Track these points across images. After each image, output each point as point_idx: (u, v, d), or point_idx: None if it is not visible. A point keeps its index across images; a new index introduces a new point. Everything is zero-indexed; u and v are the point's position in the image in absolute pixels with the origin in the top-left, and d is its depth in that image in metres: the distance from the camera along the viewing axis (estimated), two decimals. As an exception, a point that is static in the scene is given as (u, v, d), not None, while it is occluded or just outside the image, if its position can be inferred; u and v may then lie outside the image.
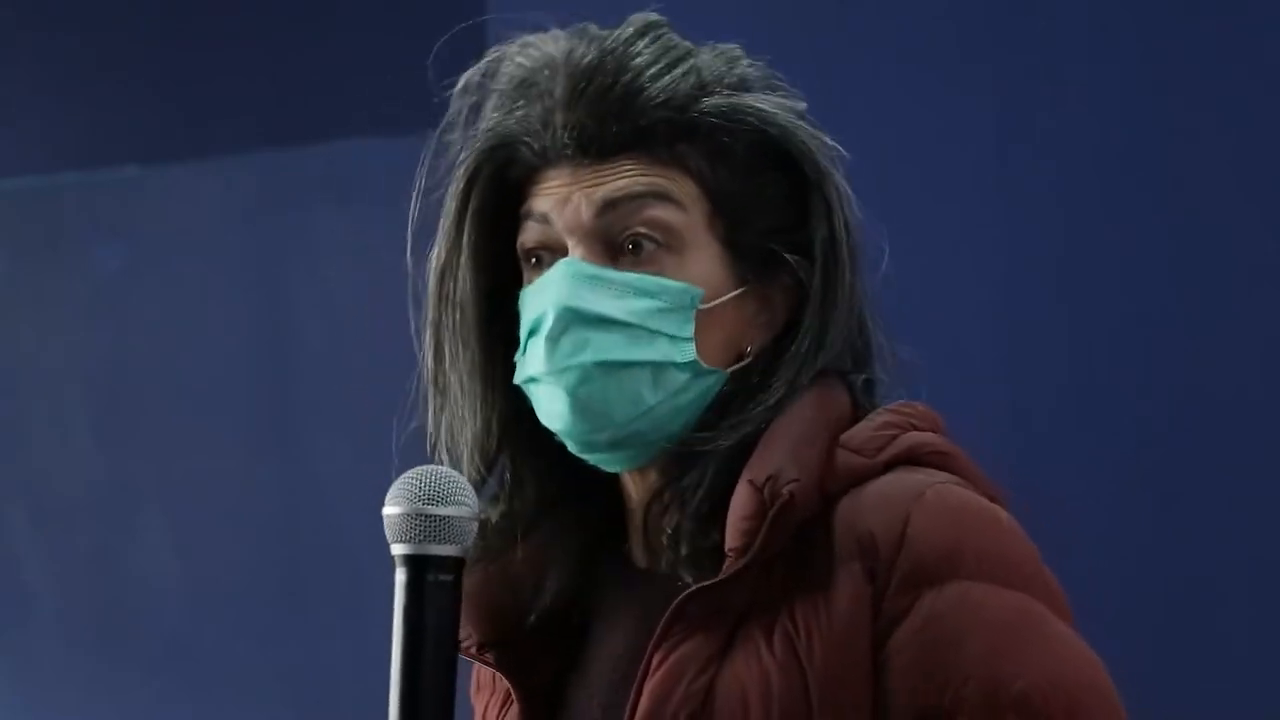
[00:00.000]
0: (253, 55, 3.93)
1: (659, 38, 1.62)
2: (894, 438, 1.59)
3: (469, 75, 1.66)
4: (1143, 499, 2.97)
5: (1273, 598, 2.90)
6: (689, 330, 1.58)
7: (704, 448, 1.58)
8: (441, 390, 1.65)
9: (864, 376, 1.65)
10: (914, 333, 3.07)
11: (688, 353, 1.58)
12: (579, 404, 1.58)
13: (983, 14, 3.07)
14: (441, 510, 1.56)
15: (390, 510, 1.56)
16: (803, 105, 1.65)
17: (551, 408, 1.59)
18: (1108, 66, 3.00)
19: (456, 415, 1.65)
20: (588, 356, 1.57)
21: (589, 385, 1.57)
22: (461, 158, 1.64)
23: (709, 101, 1.60)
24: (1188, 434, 2.95)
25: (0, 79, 4.12)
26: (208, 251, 3.97)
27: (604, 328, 1.57)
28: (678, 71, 1.60)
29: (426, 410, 1.67)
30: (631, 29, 1.62)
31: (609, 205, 1.58)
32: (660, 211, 1.58)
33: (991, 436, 3.04)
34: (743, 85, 1.63)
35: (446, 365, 1.65)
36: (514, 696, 1.65)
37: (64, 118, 4.08)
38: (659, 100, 1.58)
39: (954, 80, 3.08)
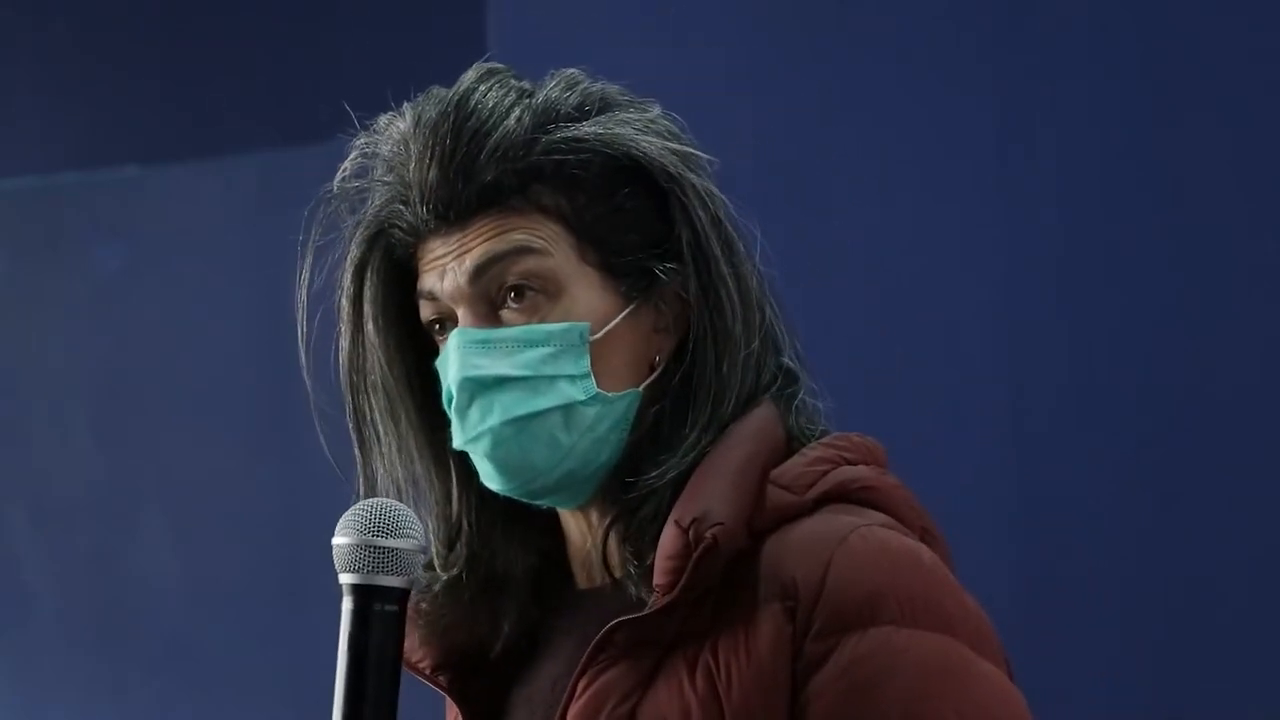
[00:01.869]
0: (253, 55, 3.93)
1: (493, 87, 1.65)
2: (824, 473, 1.62)
3: (344, 168, 1.71)
4: (1143, 499, 2.97)
5: (1273, 598, 2.90)
6: (585, 366, 1.62)
7: (651, 487, 1.61)
8: (382, 465, 1.70)
9: (796, 396, 1.66)
10: (915, 333, 3.07)
11: (589, 389, 1.62)
12: (501, 464, 1.63)
13: (983, 14, 3.07)
14: (389, 542, 1.60)
15: (339, 540, 1.61)
16: (652, 112, 1.68)
17: (483, 470, 1.65)
18: (1108, 66, 3.00)
19: (398, 484, 1.70)
20: (494, 419, 1.62)
21: (504, 445, 1.62)
22: (348, 252, 1.70)
23: (547, 139, 1.63)
24: (1188, 434, 2.95)
25: (0, 79, 4.12)
26: (208, 251, 3.97)
27: (504, 387, 1.62)
28: (510, 121, 1.63)
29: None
30: (465, 85, 1.65)
31: (479, 271, 1.62)
32: (526, 264, 1.62)
33: (991, 436, 3.04)
34: (581, 111, 1.65)
35: (392, 447, 1.70)
36: (459, 715, 1.70)
37: (64, 118, 4.08)
38: (498, 154, 1.62)
39: (954, 80, 3.09)
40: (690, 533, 1.55)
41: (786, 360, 1.68)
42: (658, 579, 1.56)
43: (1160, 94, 2.98)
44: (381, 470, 1.70)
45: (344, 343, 1.71)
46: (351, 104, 1.74)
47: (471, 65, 1.68)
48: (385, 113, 1.70)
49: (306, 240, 1.71)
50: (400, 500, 1.68)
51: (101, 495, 4.02)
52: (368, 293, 1.69)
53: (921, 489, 1.66)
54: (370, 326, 1.69)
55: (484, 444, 1.62)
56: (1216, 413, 2.94)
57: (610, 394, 1.63)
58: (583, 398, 1.62)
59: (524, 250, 1.62)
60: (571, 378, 1.62)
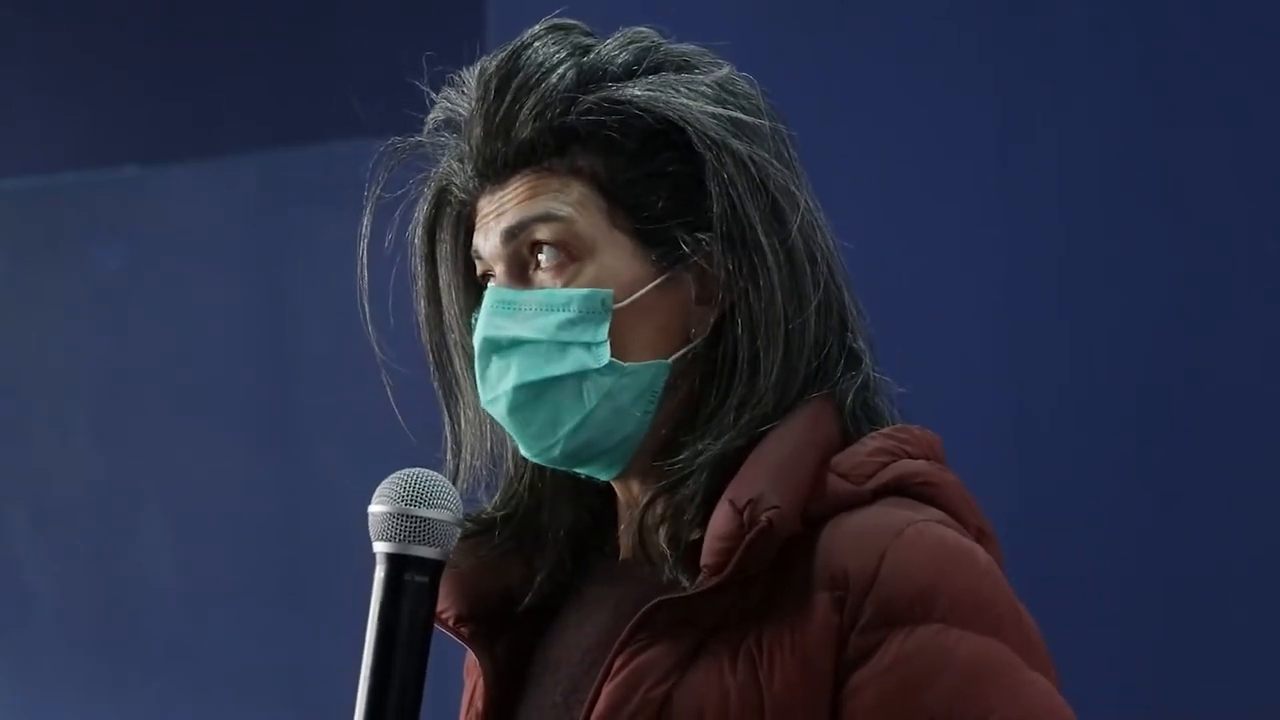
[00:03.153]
0: (253, 55, 3.93)
1: (551, 41, 1.62)
2: (884, 465, 1.58)
3: (429, 120, 1.68)
4: (1143, 499, 2.97)
5: (1273, 598, 2.90)
6: (603, 334, 1.59)
7: (683, 470, 1.57)
8: (468, 423, 1.69)
9: (857, 389, 1.62)
10: (915, 333, 3.07)
11: (602, 357, 1.59)
12: (518, 427, 1.61)
13: (983, 14, 3.07)
14: (425, 512, 1.58)
15: (375, 509, 1.59)
16: (718, 73, 1.64)
17: (510, 433, 1.63)
18: (1108, 66, 3.00)
19: (484, 442, 1.69)
20: (509, 382, 1.60)
21: (520, 410, 1.60)
22: (416, 209, 1.68)
23: (585, 100, 1.60)
24: (1188, 434, 2.95)
25: (0, 79, 4.12)
26: (208, 251, 3.97)
27: (520, 350, 1.60)
28: (551, 79, 1.60)
29: (451, 446, 1.70)
30: (525, 39, 1.63)
31: (509, 235, 1.61)
32: (551, 230, 1.59)
33: (992, 437, 3.04)
34: (628, 71, 1.62)
35: (474, 405, 1.68)
36: (481, 671, 1.67)
37: (64, 118, 4.08)
38: (535, 112, 1.59)
39: (954, 80, 3.08)
40: (745, 514, 1.52)
41: (851, 342, 1.64)
42: (706, 559, 1.53)
43: (1161, 94, 2.98)
44: (467, 428, 1.68)
45: (421, 302, 1.68)
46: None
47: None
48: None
49: (368, 197, 1.69)
50: (484, 459, 1.68)
51: (101, 495, 4.03)
52: (440, 251, 1.67)
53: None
54: (444, 284, 1.67)
55: (501, 406, 1.60)
56: (1216, 413, 2.94)
57: (629, 364, 1.59)
58: (596, 366, 1.58)
59: (549, 217, 1.59)
60: (587, 345, 1.58)
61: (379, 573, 1.58)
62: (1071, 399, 3.01)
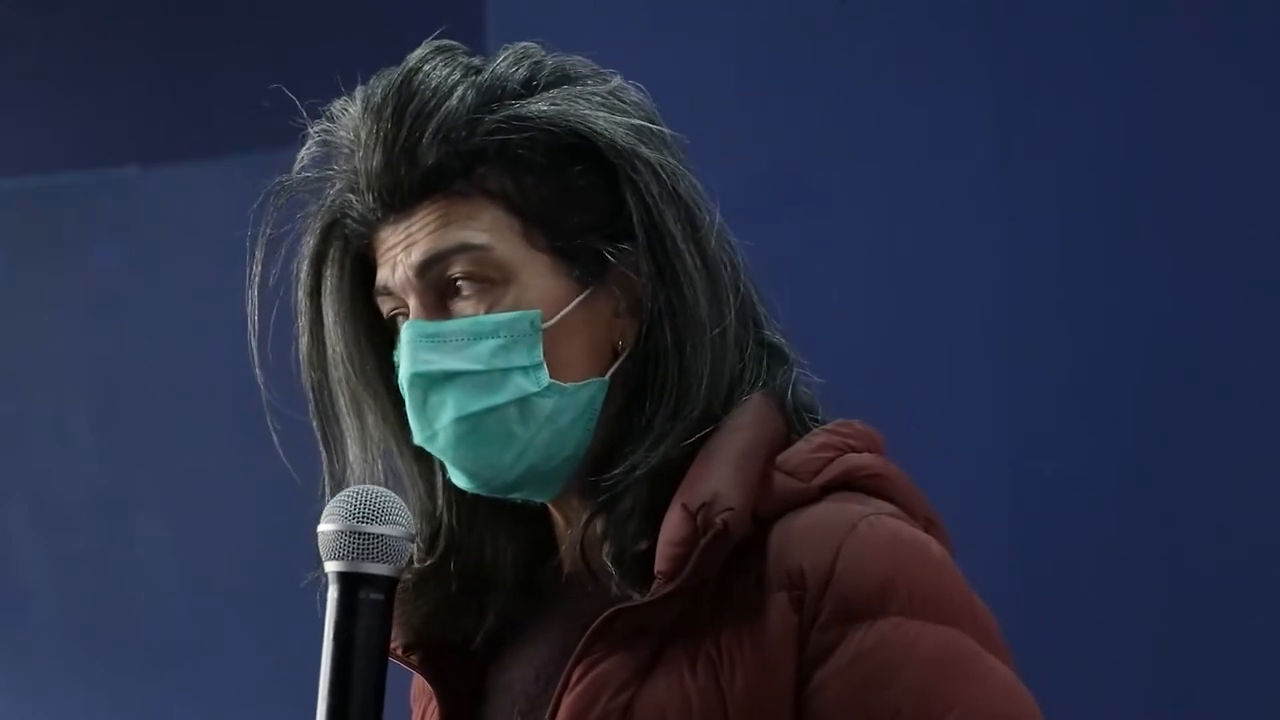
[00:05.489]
0: (253, 55, 3.93)
1: (439, 64, 1.60)
2: (830, 460, 1.57)
3: (301, 156, 1.71)
4: (1143, 499, 2.97)
5: (1273, 598, 2.90)
6: (538, 356, 1.57)
7: (621, 483, 1.56)
8: (355, 459, 1.66)
9: (789, 377, 1.61)
10: (914, 332, 3.07)
11: (542, 380, 1.57)
12: (459, 462, 1.59)
13: (983, 13, 3.07)
14: (376, 529, 1.56)
15: (325, 527, 1.58)
16: (611, 84, 1.62)
17: (449, 469, 1.61)
18: (1108, 66, 3.00)
19: (371, 482, 1.66)
20: (447, 416, 1.57)
21: (460, 443, 1.58)
22: (301, 243, 1.67)
23: (490, 119, 1.57)
24: (1188, 434, 2.95)
25: (0, 79, 4.12)
26: (207, 251, 3.97)
27: (455, 383, 1.57)
28: (452, 101, 1.58)
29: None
30: (410, 64, 1.61)
31: (423, 268, 1.58)
32: (466, 263, 1.57)
33: (991, 436, 3.04)
34: (528, 87, 1.59)
35: (358, 444, 1.66)
36: (435, 699, 1.66)
37: (64, 118, 4.08)
38: (439, 136, 1.57)
39: (954, 79, 3.08)
40: (699, 518, 1.50)
41: (769, 335, 1.62)
42: (661, 565, 1.51)
43: (1161, 93, 2.98)
44: (349, 469, 1.66)
45: (303, 338, 1.66)
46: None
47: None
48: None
49: (256, 234, 1.68)
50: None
51: (101, 495, 4.02)
52: (327, 285, 1.65)
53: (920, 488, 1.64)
54: (331, 320, 1.64)
55: (439, 442, 1.58)
56: (1216, 413, 2.94)
57: (567, 384, 1.57)
58: (536, 389, 1.56)
59: (465, 248, 1.56)
60: (524, 369, 1.56)
61: (331, 593, 1.56)
62: (1071, 398, 3.01)
